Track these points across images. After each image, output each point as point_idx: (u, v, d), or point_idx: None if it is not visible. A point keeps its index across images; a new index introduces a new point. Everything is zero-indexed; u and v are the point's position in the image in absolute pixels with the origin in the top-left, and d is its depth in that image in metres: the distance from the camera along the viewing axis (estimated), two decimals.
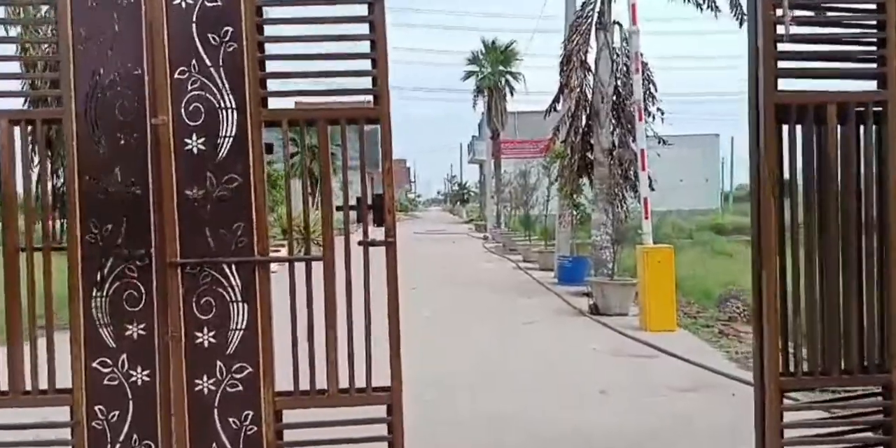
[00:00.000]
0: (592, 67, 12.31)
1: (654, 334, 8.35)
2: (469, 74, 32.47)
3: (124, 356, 3.30)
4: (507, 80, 31.95)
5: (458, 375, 6.51)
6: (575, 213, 13.96)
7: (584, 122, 12.65)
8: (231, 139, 3.31)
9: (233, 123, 3.31)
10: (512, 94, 31.56)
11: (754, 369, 3.66)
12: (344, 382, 3.36)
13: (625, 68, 12.08)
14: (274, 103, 3.47)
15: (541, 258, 16.36)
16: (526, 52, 48.60)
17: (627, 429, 5.10)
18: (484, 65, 32.03)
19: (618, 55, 12.16)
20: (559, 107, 13.71)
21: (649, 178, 10.01)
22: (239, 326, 3.30)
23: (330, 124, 3.49)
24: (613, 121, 12.23)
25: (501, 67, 31.76)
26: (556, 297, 11.72)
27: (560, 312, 10.21)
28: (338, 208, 3.50)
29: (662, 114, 12.53)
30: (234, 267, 3.30)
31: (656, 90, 12.17)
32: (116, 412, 3.29)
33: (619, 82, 12.20)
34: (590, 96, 12.38)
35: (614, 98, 12.11)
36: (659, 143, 12.81)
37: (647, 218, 9.45)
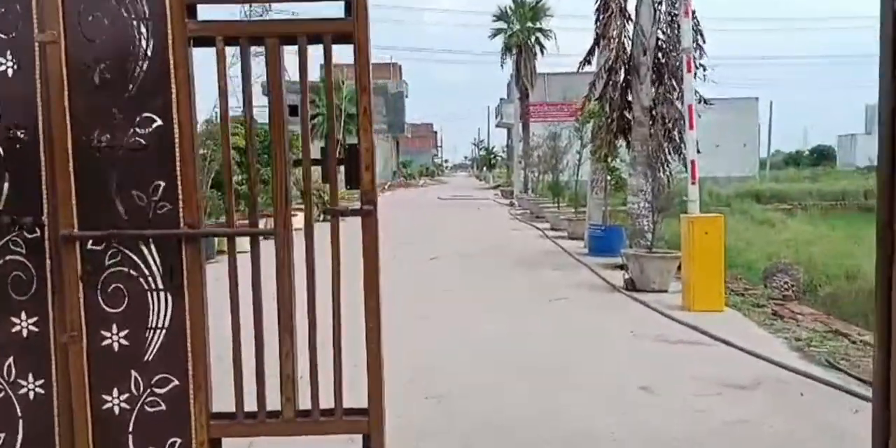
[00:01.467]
0: (632, 16, 11.09)
1: (700, 315, 7.35)
2: (496, 32, 30.95)
3: (10, 360, 2.44)
4: (536, 38, 30.38)
5: (472, 368, 5.61)
6: (609, 177, 12.85)
7: (622, 77, 11.47)
8: (146, 63, 2.36)
9: (148, 41, 2.35)
10: (542, 52, 30.05)
11: (875, 381, 2.70)
12: (305, 402, 2.45)
13: (668, 17, 10.84)
14: (206, 14, 2.49)
15: (570, 226, 15.32)
16: (556, 11, 46.72)
17: (674, 436, 4.18)
18: (512, 21, 30.45)
19: (660, 2, 10.90)
20: (593, 61, 12.49)
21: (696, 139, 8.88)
22: (160, 324, 2.41)
23: (284, 43, 2.48)
24: (654, 76, 11.04)
25: (530, 24, 30.17)
26: (586, 269, 10.73)
27: (591, 288, 9.23)
28: (295, 163, 2.52)
29: (705, 70, 11.28)
30: (152, 243, 2.38)
31: (704, 41, 10.90)
32: (1, 435, 2.44)
33: (661, 33, 10.97)
34: (629, 48, 11.18)
35: (656, 51, 10.91)
36: (700, 102, 11.58)
37: (693, 183, 8.37)
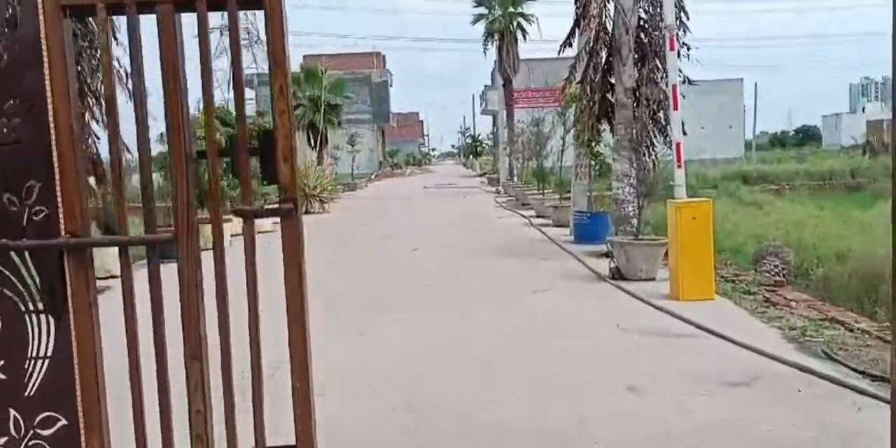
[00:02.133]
0: None
1: (689, 304, 7.01)
2: (478, 18, 30.41)
3: None
4: (518, 23, 29.87)
5: (448, 367, 5.24)
6: (593, 163, 12.47)
7: (603, 58, 11.07)
8: (11, 37, 1.94)
9: (13, 9, 1.93)
10: (525, 38, 29.56)
11: (894, 377, 2.33)
12: (221, 443, 2.06)
13: None
14: None
15: (555, 213, 14.96)
16: None
17: (665, 440, 3.84)
18: (494, 7, 29.92)
19: None
20: (574, 43, 12.08)
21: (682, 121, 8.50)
22: (42, 353, 2.01)
23: (180, 10, 2.05)
24: (637, 56, 10.65)
25: (512, 9, 29.65)
26: (571, 258, 10.38)
27: (576, 277, 8.87)
28: (199, 155, 2.11)
29: (689, 49, 10.88)
30: (27, 255, 1.97)
31: (688, 18, 10.50)
32: None
33: (643, 12, 10.57)
34: (610, 28, 10.76)
35: (639, 30, 10.50)
36: (684, 83, 11.19)
37: (679, 166, 7.99)
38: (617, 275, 8.55)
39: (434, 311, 7.12)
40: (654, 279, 8.39)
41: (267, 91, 2.08)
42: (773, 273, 9.96)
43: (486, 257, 10.70)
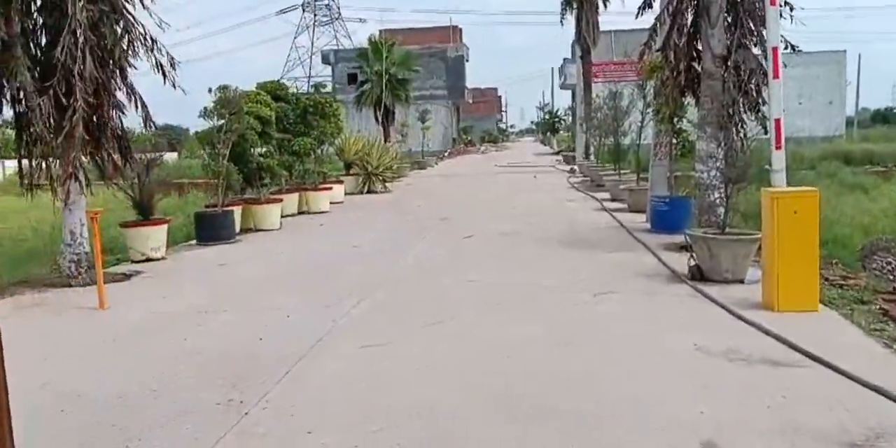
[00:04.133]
0: None
1: (787, 317, 5.73)
2: None
3: None
4: None
5: (471, 398, 4.20)
6: (675, 141, 11.05)
7: (689, 20, 9.61)
8: None
9: None
10: (605, 5, 27.63)
11: None
12: None
13: None
14: None
15: (631, 197, 13.58)
16: None
17: None
18: None
19: None
20: (655, 4, 10.61)
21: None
22: None
23: None
24: (728, 18, 9.16)
25: None
26: (645, 251, 9.10)
27: (648, 276, 7.62)
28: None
29: (791, 9, 9.26)
30: None
31: None
32: None
33: None
34: None
35: None
36: (787, 49, 9.58)
37: (778, 147, 6.61)
38: (697, 275, 7.28)
39: (472, 320, 6.08)
40: (741, 282, 7.08)
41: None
42: (884, 271, 8.44)
43: (546, 249, 9.54)
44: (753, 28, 9.08)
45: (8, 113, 7.63)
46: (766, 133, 9.05)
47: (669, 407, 4.04)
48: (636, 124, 15.14)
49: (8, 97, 7.52)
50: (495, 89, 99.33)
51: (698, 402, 4.09)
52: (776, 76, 6.66)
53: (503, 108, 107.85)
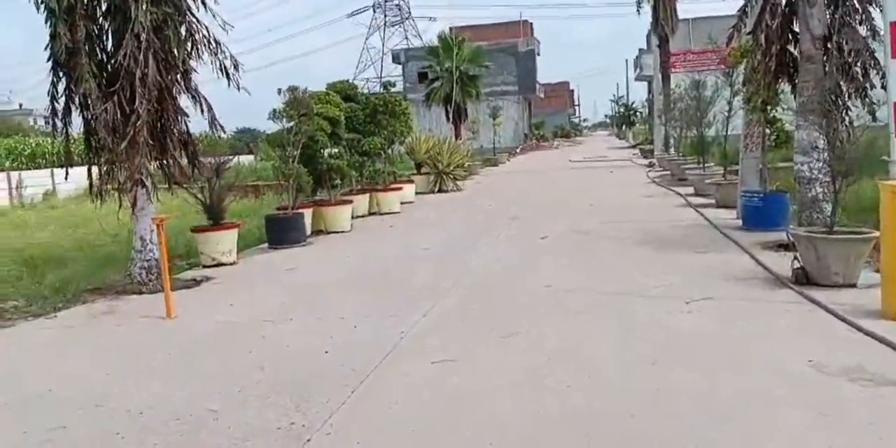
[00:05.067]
0: None
1: None
2: None
3: None
4: None
5: (560, 432, 3.72)
6: (768, 131, 10.21)
7: (784, 0, 8.81)
8: None
9: None
10: None
11: None
12: None
13: None
14: None
15: (718, 192, 12.74)
16: None
17: None
18: None
19: None
20: None
21: None
22: None
23: None
24: None
25: None
26: (739, 251, 8.37)
27: (746, 280, 6.93)
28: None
29: None
30: None
31: None
32: None
33: None
34: None
35: None
36: None
37: None
38: (802, 278, 6.56)
39: (550, 331, 5.59)
40: (854, 286, 6.33)
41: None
42: None
43: (628, 250, 8.92)
44: (858, 5, 8.23)
45: (77, 119, 7.62)
46: (873, 120, 8.19)
47: (782, 441, 3.46)
48: (722, 114, 14.23)
49: (76, 103, 7.50)
50: (567, 83, 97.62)
51: (818, 434, 3.50)
52: (894, 55, 5.88)
53: (576, 103, 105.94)
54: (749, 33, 9.83)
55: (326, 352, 5.27)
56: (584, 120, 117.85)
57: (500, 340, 5.28)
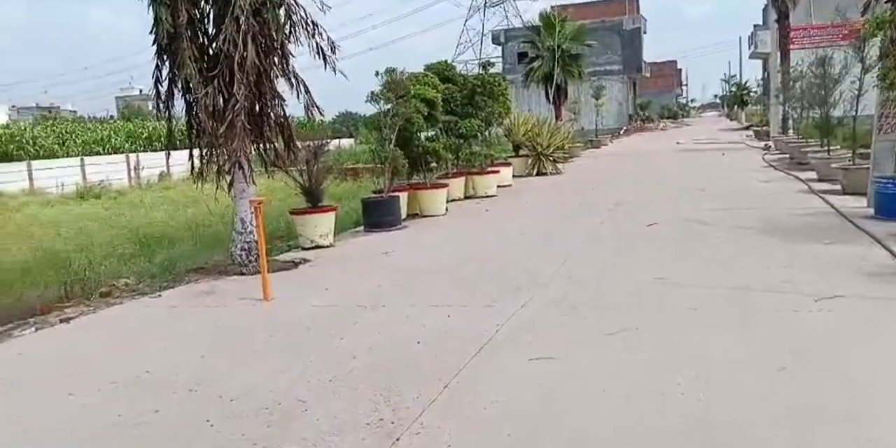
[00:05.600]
0: None
1: None
2: None
3: None
4: None
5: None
6: None
7: None
8: None
9: None
10: None
11: None
12: None
13: None
14: None
15: (846, 177, 11.67)
16: None
17: None
18: None
19: None
20: None
21: None
22: None
23: None
24: None
25: None
26: (871, 242, 7.57)
27: (882, 276, 6.20)
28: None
29: None
30: None
31: None
32: None
33: None
34: None
35: None
36: None
37: None
38: None
39: (661, 330, 5.15)
40: None
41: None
42: None
43: (746, 240, 8.24)
44: None
45: (180, 102, 7.74)
46: None
47: None
48: (850, 93, 13.02)
49: (179, 87, 7.61)
50: (674, 62, 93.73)
51: None
52: None
53: (683, 82, 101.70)
54: (889, 1, 8.85)
55: (419, 342, 5.07)
56: (692, 100, 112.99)
57: (605, 338, 4.91)
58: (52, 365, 5.19)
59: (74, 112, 68.97)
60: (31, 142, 30.51)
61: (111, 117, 55.16)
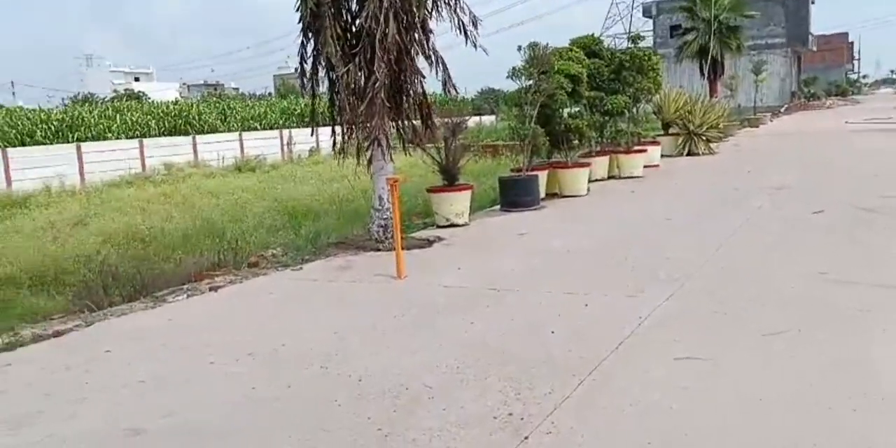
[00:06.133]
0: None
1: None
2: None
3: None
4: None
5: None
6: None
7: None
8: None
9: None
10: None
11: None
12: None
13: None
14: None
15: None
16: None
17: None
18: None
19: None
20: None
21: None
22: None
23: None
24: None
25: None
26: None
27: None
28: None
29: None
30: None
31: None
32: None
33: None
34: None
35: None
36: None
37: None
38: None
39: (826, 334, 4.58)
40: None
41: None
42: None
43: None
44: None
45: (324, 78, 7.84)
46: None
47: None
48: None
49: (323, 64, 7.70)
50: (845, 34, 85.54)
51: None
52: None
53: (855, 57, 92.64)
54: None
55: (552, 332, 4.82)
56: (864, 76, 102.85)
57: (761, 339, 4.42)
58: (198, 332, 5.42)
59: (237, 89, 73.73)
60: (196, 117, 32.82)
61: (269, 94, 58.35)
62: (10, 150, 22.08)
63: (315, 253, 8.12)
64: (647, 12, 54.07)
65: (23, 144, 24.14)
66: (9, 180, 20.68)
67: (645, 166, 14.51)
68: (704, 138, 18.00)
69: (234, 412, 3.88)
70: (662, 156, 16.41)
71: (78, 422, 3.83)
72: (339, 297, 6.28)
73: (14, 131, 25.43)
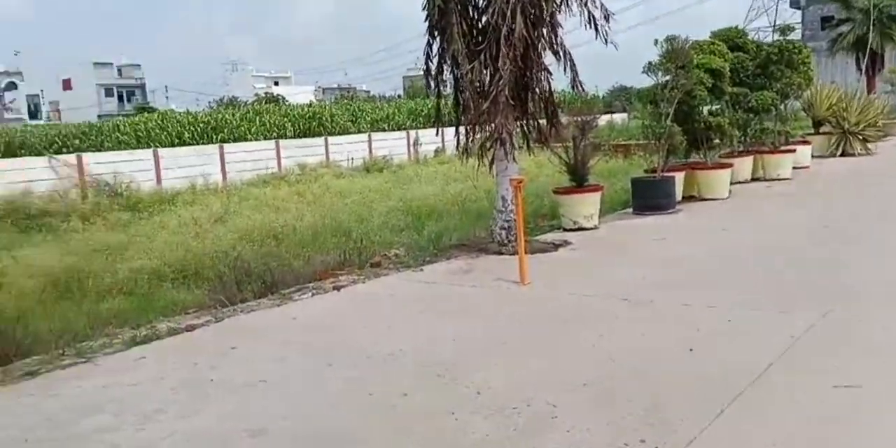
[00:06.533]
0: None
1: None
2: None
3: None
4: None
5: None
6: None
7: None
8: None
9: None
10: None
11: None
12: None
13: None
14: None
15: None
16: None
17: None
18: None
19: None
20: None
21: None
22: None
23: None
24: None
25: None
26: None
27: None
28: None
29: None
30: None
31: None
32: None
33: None
34: None
35: None
36: None
37: None
38: None
39: None
40: None
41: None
42: None
43: None
44: None
45: (449, 77, 7.71)
46: None
47: None
48: None
49: (448, 62, 7.56)
50: None
51: None
52: None
53: None
54: None
55: (691, 349, 4.39)
56: None
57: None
58: (319, 333, 5.42)
59: (367, 92, 75.99)
60: (329, 119, 34.00)
61: (398, 96, 59.68)
62: (160, 150, 23.73)
63: (436, 254, 8.01)
64: (794, 3, 50.47)
65: (173, 145, 25.90)
66: (159, 178, 22.21)
67: (793, 167, 13.39)
68: (861, 137, 16.42)
69: (351, 418, 3.78)
70: (813, 156, 15.12)
71: (200, 419, 3.86)
72: (459, 302, 6.10)
73: (165, 133, 27.35)
